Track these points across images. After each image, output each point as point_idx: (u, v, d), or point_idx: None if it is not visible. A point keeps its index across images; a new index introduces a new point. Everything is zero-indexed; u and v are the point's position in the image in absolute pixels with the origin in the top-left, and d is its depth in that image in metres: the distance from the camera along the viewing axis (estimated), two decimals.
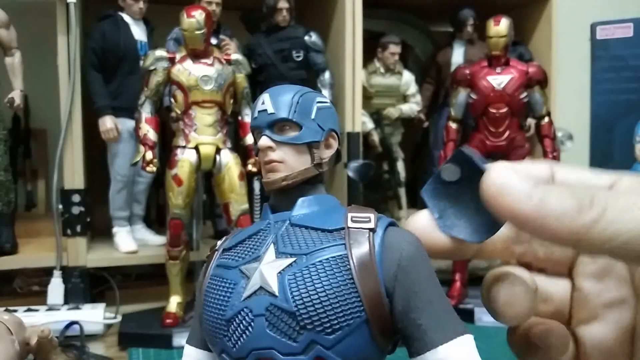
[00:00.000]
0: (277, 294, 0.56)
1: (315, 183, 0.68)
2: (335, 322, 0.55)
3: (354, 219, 0.61)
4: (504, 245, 0.32)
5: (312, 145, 0.66)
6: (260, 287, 0.58)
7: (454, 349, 0.56)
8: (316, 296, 0.55)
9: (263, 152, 0.66)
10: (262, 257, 0.60)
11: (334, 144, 0.69)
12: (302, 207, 0.64)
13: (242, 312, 0.58)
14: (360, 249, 0.58)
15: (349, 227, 0.60)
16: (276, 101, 0.66)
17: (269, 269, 0.58)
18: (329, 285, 0.55)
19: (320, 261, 0.57)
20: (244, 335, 0.58)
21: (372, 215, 0.61)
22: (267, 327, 0.56)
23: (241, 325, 0.58)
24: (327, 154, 0.68)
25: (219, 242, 0.69)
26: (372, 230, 0.59)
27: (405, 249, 0.59)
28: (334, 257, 0.57)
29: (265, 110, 0.66)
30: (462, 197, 0.31)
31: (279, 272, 0.58)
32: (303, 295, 0.55)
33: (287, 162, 0.66)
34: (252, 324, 0.57)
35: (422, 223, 0.31)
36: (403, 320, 0.57)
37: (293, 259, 0.58)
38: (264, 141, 0.66)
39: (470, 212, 0.31)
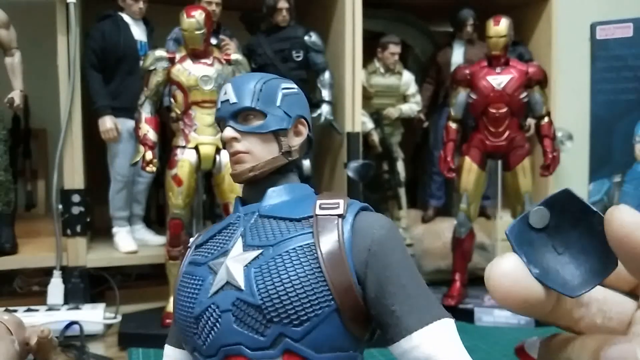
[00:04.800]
0: (243, 288, 0.55)
1: (286, 172, 0.66)
2: (303, 313, 0.53)
3: (322, 205, 0.59)
4: (571, 307, 0.29)
5: (279, 134, 0.65)
6: (227, 282, 0.56)
7: (428, 334, 0.54)
8: (282, 287, 0.54)
9: (228, 143, 0.65)
10: (230, 251, 0.59)
11: (304, 130, 0.67)
12: (272, 198, 0.62)
13: (209, 309, 0.57)
14: (328, 237, 0.56)
15: (317, 215, 0.58)
16: (238, 90, 0.65)
17: (235, 263, 0.57)
18: (295, 276, 0.54)
19: (286, 251, 0.56)
20: (212, 332, 0.56)
21: (341, 201, 0.59)
22: (234, 323, 0.55)
23: (209, 322, 0.56)
24: (296, 141, 0.66)
25: (191, 239, 0.68)
26: (341, 216, 0.58)
27: (376, 234, 0.57)
28: (300, 246, 0.56)
29: (228, 100, 0.65)
30: (548, 245, 0.28)
31: (245, 266, 0.56)
32: (269, 287, 0.54)
33: (253, 152, 0.64)
34: (219, 320, 0.56)
35: (513, 267, 0.27)
36: (376, 306, 0.56)
37: (259, 251, 0.57)
38: (228, 132, 0.64)
39: (561, 262, 0.27)
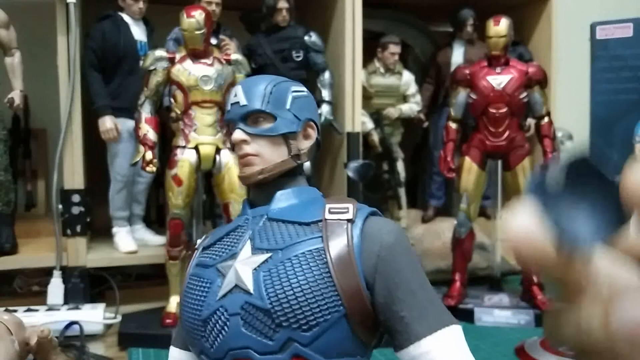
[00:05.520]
0: (252, 291, 0.55)
1: (294, 175, 0.65)
2: (312, 317, 0.53)
3: (331, 210, 0.59)
4: (581, 269, 0.30)
5: (289, 136, 0.64)
6: (236, 285, 0.56)
7: (437, 341, 0.54)
8: (291, 292, 0.54)
9: (237, 145, 0.64)
10: (238, 254, 0.58)
11: (313, 134, 0.67)
12: (280, 201, 0.62)
13: (217, 312, 0.57)
14: (337, 241, 0.56)
15: (326, 219, 0.58)
16: (249, 93, 0.64)
17: (244, 267, 0.57)
18: (304, 280, 0.54)
19: (296, 256, 0.56)
20: (220, 336, 0.56)
21: (350, 206, 0.59)
22: (242, 326, 0.55)
23: (217, 325, 0.56)
24: (305, 144, 0.66)
25: (198, 241, 0.68)
26: (350, 221, 0.58)
27: (385, 239, 0.57)
28: (310, 250, 0.56)
29: (238, 102, 0.65)
30: (563, 201, 0.27)
31: (254, 269, 0.56)
32: (278, 291, 0.54)
33: (262, 155, 0.63)
34: (227, 323, 0.56)
35: (530, 224, 0.26)
36: (385, 312, 0.56)
37: (268, 255, 0.57)
38: (238, 134, 0.64)
39: (576, 218, 0.27)
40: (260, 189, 0.64)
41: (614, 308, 0.25)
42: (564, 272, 0.27)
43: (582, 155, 0.28)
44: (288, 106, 0.64)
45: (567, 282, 0.28)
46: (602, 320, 0.26)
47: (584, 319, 0.27)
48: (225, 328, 0.56)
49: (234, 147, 0.65)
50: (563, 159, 0.28)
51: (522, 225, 0.26)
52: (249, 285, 0.55)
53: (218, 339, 0.56)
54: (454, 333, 0.55)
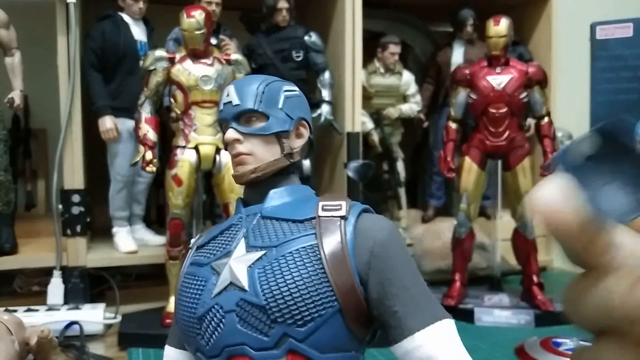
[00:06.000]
0: (246, 288, 0.55)
1: (287, 174, 0.66)
2: (307, 313, 0.54)
3: (325, 207, 0.59)
4: (607, 244, 0.29)
5: (281, 135, 0.65)
6: (231, 283, 0.57)
7: (430, 334, 0.54)
8: (286, 288, 0.54)
9: (231, 145, 0.65)
10: (233, 252, 0.59)
11: (305, 133, 0.68)
12: (274, 199, 0.63)
13: (213, 309, 0.57)
14: (331, 238, 0.57)
15: (319, 216, 0.59)
16: (241, 92, 0.65)
17: (238, 264, 0.57)
18: (298, 277, 0.54)
19: (290, 252, 0.56)
20: (215, 333, 0.57)
21: (343, 203, 0.60)
22: (238, 323, 0.55)
23: (212, 322, 0.57)
24: (298, 143, 0.67)
25: (192, 240, 0.68)
26: (344, 217, 0.58)
27: (378, 236, 0.58)
28: (304, 247, 0.56)
29: (231, 102, 0.65)
30: (596, 173, 0.27)
31: (249, 266, 0.57)
32: (273, 288, 0.54)
33: (255, 154, 0.64)
34: (223, 320, 0.56)
35: (561, 191, 0.25)
36: (379, 307, 0.56)
37: (263, 252, 0.57)
38: (231, 134, 0.65)
39: (609, 190, 0.26)
40: (254, 188, 0.65)
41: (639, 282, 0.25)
42: (590, 243, 0.27)
43: (608, 127, 0.27)
44: (280, 105, 0.65)
45: (592, 254, 0.28)
46: (625, 293, 0.26)
47: (607, 292, 0.27)
48: (221, 325, 0.56)
49: (227, 147, 0.66)
50: (590, 132, 0.27)
51: (551, 195, 0.26)
52: (244, 283, 0.56)
53: (214, 336, 0.57)
54: (447, 327, 0.56)
